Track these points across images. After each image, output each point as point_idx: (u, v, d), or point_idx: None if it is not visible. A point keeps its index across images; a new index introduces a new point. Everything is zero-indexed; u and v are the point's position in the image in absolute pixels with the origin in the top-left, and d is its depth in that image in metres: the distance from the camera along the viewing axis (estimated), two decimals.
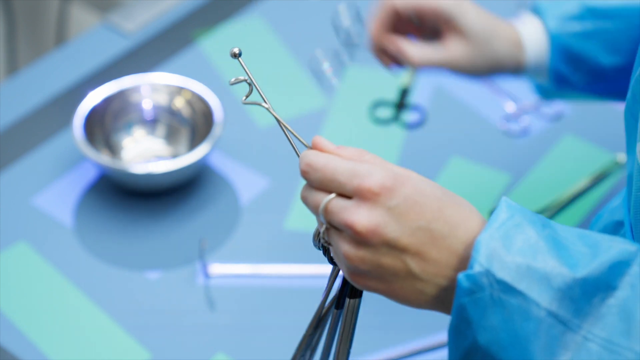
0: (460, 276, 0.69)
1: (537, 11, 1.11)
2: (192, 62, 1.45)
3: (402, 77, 1.37)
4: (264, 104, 0.75)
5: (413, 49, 1.09)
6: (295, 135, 0.75)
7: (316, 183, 0.72)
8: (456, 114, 1.39)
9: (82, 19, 2.11)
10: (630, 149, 0.83)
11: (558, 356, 0.68)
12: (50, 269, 1.19)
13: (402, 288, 0.72)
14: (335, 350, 0.78)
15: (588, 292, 0.68)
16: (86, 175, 1.29)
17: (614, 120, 1.38)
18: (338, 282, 0.77)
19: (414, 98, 1.41)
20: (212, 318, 1.15)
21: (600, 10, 1.07)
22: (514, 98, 1.41)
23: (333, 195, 0.72)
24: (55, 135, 1.34)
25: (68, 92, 1.40)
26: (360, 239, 0.70)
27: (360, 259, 0.71)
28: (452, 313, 0.70)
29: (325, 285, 0.75)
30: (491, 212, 0.77)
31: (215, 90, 1.34)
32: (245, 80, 0.74)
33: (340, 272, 0.75)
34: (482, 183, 1.29)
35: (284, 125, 0.74)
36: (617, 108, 1.39)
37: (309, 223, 1.24)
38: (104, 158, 1.23)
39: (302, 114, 1.39)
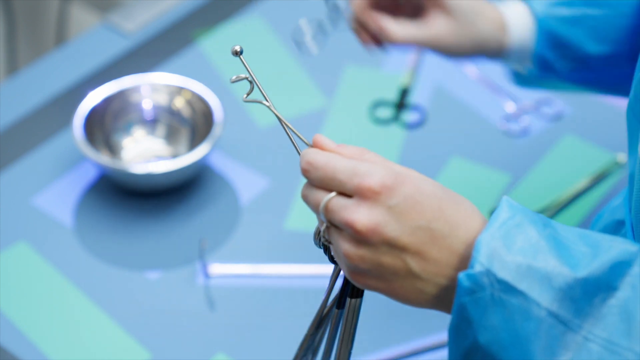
0: (461, 275, 0.69)
1: None
2: (192, 62, 1.45)
3: (402, 77, 1.37)
4: (264, 102, 0.75)
5: (394, 26, 1.06)
6: (296, 134, 0.75)
7: (317, 181, 0.72)
8: (456, 114, 1.39)
9: (82, 19, 2.11)
10: (632, 148, 0.83)
11: (558, 356, 0.68)
12: (50, 269, 1.19)
13: (402, 287, 0.72)
14: (337, 350, 0.78)
15: (589, 292, 0.68)
16: (86, 175, 1.29)
17: (614, 120, 1.38)
18: (339, 282, 0.77)
19: (414, 98, 1.41)
20: (212, 318, 1.15)
21: None
22: (514, 98, 1.41)
23: (333, 193, 0.71)
24: (55, 135, 1.34)
25: (68, 92, 1.40)
26: (360, 237, 0.70)
27: (360, 258, 0.71)
28: (452, 312, 0.70)
29: (325, 285, 0.75)
30: (492, 212, 0.77)
31: (215, 90, 1.34)
32: (246, 78, 0.74)
33: (342, 272, 0.75)
34: (482, 183, 1.29)
35: (285, 123, 0.74)
36: (618, 108, 1.39)
37: (309, 223, 1.24)
38: (104, 158, 1.23)
39: (302, 114, 1.39)
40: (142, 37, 1.49)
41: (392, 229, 0.70)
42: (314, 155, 0.72)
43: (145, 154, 1.31)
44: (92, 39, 1.49)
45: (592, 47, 1.06)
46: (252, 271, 1.19)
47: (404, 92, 1.41)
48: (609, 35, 1.05)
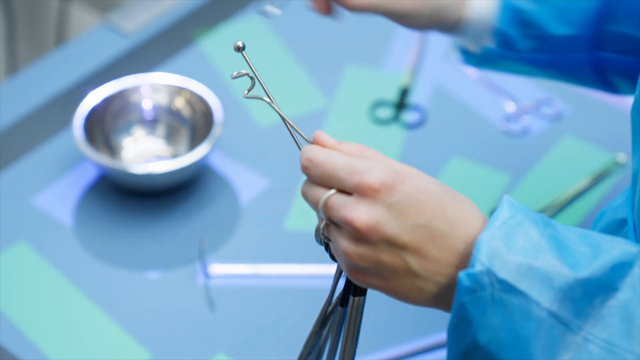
0: (461, 275, 0.69)
1: None
2: (192, 62, 1.45)
3: (402, 77, 1.37)
4: (265, 99, 0.74)
5: None
6: (297, 130, 0.75)
7: (316, 178, 0.72)
8: (456, 114, 1.39)
9: (82, 19, 2.11)
10: (636, 147, 0.83)
11: (558, 357, 0.68)
12: (50, 269, 1.19)
13: (402, 285, 0.72)
14: (342, 349, 0.78)
15: (589, 293, 0.68)
16: (86, 175, 1.29)
17: (614, 120, 1.38)
18: (343, 279, 0.77)
19: (414, 98, 1.41)
20: (212, 318, 1.15)
21: None
22: (514, 98, 1.41)
23: (333, 191, 0.71)
24: (55, 135, 1.34)
25: (68, 92, 1.40)
26: (359, 235, 0.70)
27: (359, 256, 0.71)
28: (452, 311, 0.70)
29: (325, 285, 0.75)
30: (492, 212, 0.77)
31: (215, 90, 1.34)
32: (247, 74, 0.74)
33: None
34: (482, 183, 1.29)
35: (286, 120, 0.74)
36: (618, 108, 1.39)
37: (309, 223, 1.24)
38: (103, 158, 1.23)
39: (302, 114, 1.39)
40: (142, 37, 1.49)
41: (392, 227, 0.70)
42: (314, 152, 0.72)
43: (145, 154, 1.31)
44: (92, 39, 1.49)
45: (556, 27, 1.03)
46: (252, 271, 1.19)
47: (404, 92, 1.41)
48: (573, 17, 1.03)
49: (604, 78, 1.05)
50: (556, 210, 1.26)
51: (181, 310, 1.16)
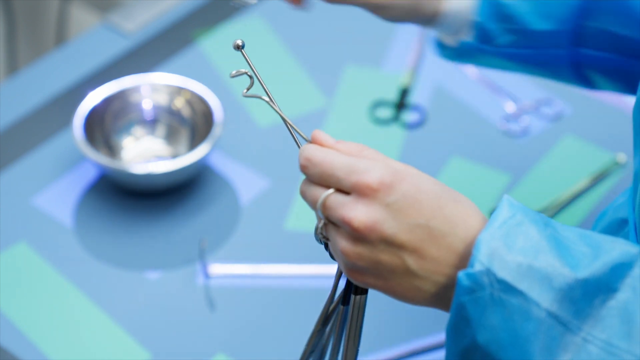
0: (461, 274, 0.68)
1: None
2: (192, 62, 1.45)
3: (402, 77, 1.37)
4: (264, 97, 0.74)
5: None
6: (295, 129, 0.74)
7: (315, 178, 0.72)
8: (456, 114, 1.39)
9: (82, 19, 2.11)
10: (637, 147, 0.83)
11: (557, 357, 0.68)
12: (50, 269, 1.19)
13: (400, 285, 0.72)
14: (344, 348, 0.78)
15: (589, 294, 0.68)
16: (86, 175, 1.29)
17: (614, 120, 1.38)
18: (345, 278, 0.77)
19: (414, 98, 1.41)
20: (212, 318, 1.15)
21: None
22: (514, 98, 1.41)
23: (331, 190, 0.71)
24: (55, 135, 1.34)
25: (68, 92, 1.40)
26: (357, 235, 0.70)
27: (357, 255, 0.71)
28: (451, 311, 0.70)
29: (325, 285, 0.75)
30: (492, 212, 0.76)
31: (215, 90, 1.34)
32: (246, 73, 0.74)
33: None
34: (482, 183, 1.29)
35: (285, 119, 0.74)
36: (618, 108, 1.39)
37: (309, 223, 1.24)
38: (103, 158, 1.23)
39: (302, 114, 1.39)
40: (142, 37, 1.49)
41: (390, 227, 0.70)
42: (312, 151, 0.72)
43: (145, 154, 1.31)
44: (92, 39, 1.49)
45: (536, 22, 1.02)
46: (252, 271, 1.19)
47: (404, 92, 1.41)
48: (554, 12, 1.01)
49: (582, 74, 1.04)
50: (556, 210, 1.26)
51: (181, 310, 1.16)
